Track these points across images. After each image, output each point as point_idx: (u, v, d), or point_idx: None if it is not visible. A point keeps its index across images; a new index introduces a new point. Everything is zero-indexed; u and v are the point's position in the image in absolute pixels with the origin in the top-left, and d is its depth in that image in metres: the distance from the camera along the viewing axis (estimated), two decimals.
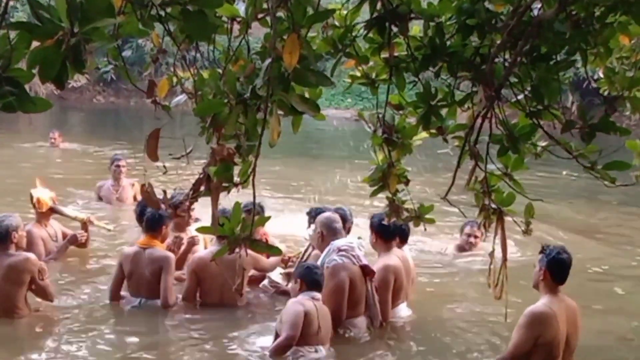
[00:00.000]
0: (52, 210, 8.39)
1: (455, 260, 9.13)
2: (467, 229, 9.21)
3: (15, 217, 6.80)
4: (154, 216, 6.98)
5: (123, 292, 7.17)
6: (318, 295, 6.06)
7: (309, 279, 6.06)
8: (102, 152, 17.49)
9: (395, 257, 6.88)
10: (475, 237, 9.09)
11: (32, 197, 8.22)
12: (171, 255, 7.07)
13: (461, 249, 9.32)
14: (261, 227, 7.09)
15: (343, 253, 6.42)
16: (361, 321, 6.56)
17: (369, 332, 6.58)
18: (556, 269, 5.34)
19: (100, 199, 11.31)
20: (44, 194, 8.24)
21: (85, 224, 8.49)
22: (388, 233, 6.81)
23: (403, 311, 7.05)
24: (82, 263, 8.49)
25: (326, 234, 6.62)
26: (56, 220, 8.58)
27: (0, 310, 6.60)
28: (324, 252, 6.54)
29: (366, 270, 6.48)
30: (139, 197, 11.12)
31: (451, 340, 6.75)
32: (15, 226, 6.64)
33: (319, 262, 6.50)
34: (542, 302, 5.34)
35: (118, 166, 11.24)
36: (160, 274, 6.93)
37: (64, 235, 8.46)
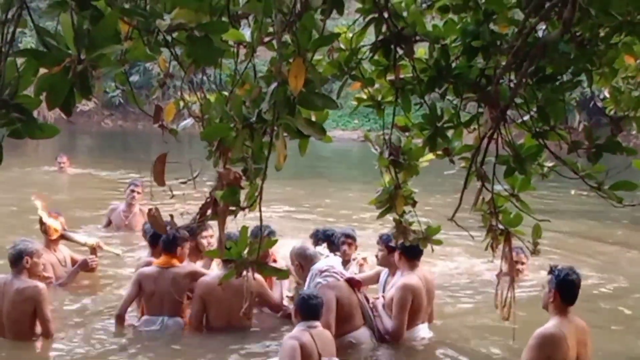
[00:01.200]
0: (62, 237, 8.40)
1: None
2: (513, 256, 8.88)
3: (33, 243, 6.77)
4: (168, 237, 7.04)
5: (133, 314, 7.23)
6: (315, 323, 5.96)
7: (304, 309, 5.99)
8: (110, 176, 17.55)
9: (416, 277, 6.83)
10: (522, 263, 8.63)
11: (41, 223, 8.20)
12: (200, 270, 7.16)
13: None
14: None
15: (326, 273, 6.46)
16: (363, 333, 6.55)
17: (374, 345, 6.55)
18: (565, 289, 5.31)
19: (109, 222, 11.16)
20: (53, 221, 8.23)
21: (94, 249, 8.50)
22: (412, 252, 6.75)
23: (422, 332, 6.99)
24: (92, 287, 8.48)
25: (304, 264, 6.69)
26: (65, 246, 8.59)
27: (10, 333, 6.61)
28: (307, 279, 6.55)
29: (352, 282, 6.48)
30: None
31: None
32: (30, 252, 6.61)
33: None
34: (551, 324, 5.30)
35: (133, 190, 11.02)
36: (188, 290, 7.06)
37: (73, 261, 8.46)
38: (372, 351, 6.54)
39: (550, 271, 5.41)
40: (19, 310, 6.53)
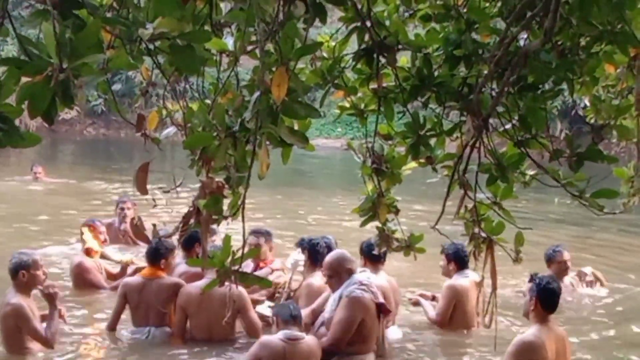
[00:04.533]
0: (101, 256, 8.84)
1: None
2: (564, 255, 8.50)
3: (29, 255, 6.57)
4: (151, 249, 7.02)
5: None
6: (295, 334, 5.87)
7: (283, 314, 5.95)
8: (87, 186, 17.48)
9: (382, 277, 7.09)
10: (565, 262, 8.47)
11: (83, 243, 8.68)
12: (181, 282, 7.10)
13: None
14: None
15: (364, 287, 6.34)
16: (370, 358, 6.47)
17: None
18: (546, 297, 5.34)
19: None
20: (94, 244, 8.67)
21: (126, 265, 8.71)
22: (375, 255, 6.92)
23: (391, 334, 7.02)
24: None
25: (352, 267, 6.54)
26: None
27: (4, 346, 6.53)
28: (344, 285, 6.39)
29: (382, 309, 6.44)
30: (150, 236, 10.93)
31: None
32: (25, 265, 6.42)
33: (336, 295, 6.40)
34: (531, 331, 5.35)
35: (122, 209, 10.58)
36: (173, 301, 7.00)
37: (107, 272, 8.82)
38: None
39: (531, 279, 5.45)
40: (5, 324, 6.48)
